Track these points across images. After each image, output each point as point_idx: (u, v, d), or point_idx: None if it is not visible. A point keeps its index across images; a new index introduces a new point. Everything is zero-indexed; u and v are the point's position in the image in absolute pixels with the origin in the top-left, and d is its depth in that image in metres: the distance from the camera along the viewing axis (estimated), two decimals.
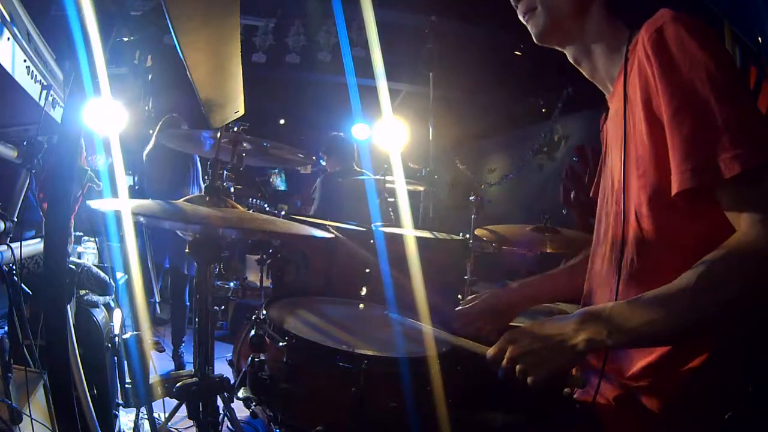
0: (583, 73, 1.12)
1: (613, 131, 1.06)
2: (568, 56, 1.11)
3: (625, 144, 0.96)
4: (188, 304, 3.57)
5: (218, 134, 1.74)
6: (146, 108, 4.63)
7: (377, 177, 2.84)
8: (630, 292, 0.95)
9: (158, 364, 2.83)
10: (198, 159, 3.73)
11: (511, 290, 1.43)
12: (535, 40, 1.08)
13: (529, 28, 1.08)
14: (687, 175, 0.82)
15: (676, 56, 0.85)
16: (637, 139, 0.93)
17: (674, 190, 0.84)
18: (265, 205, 3.27)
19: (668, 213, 0.90)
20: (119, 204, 1.46)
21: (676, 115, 0.84)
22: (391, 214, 2.87)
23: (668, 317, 0.82)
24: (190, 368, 3.13)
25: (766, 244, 0.77)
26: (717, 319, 0.82)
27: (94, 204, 1.25)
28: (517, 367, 0.88)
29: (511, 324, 1.48)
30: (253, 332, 1.48)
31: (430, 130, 3.02)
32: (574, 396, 1.04)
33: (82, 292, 1.93)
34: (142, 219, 1.48)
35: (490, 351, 0.93)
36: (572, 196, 2.18)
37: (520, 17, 1.09)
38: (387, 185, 2.76)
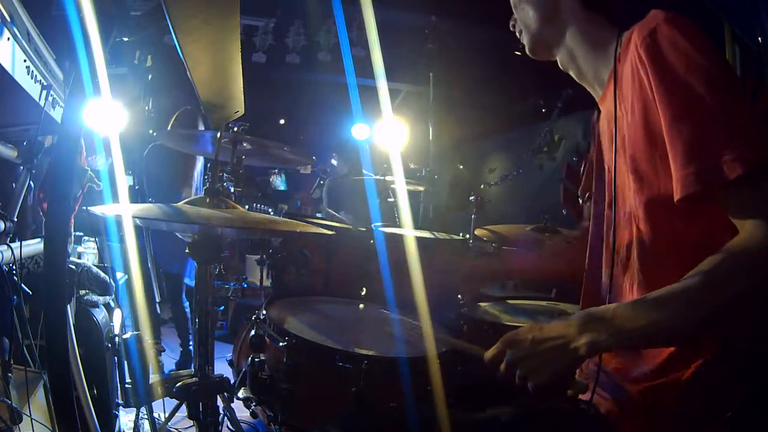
0: (573, 77, 1.13)
1: (607, 133, 1.05)
2: (558, 63, 1.13)
3: (615, 149, 0.96)
4: (186, 304, 3.56)
5: (218, 134, 1.73)
6: (146, 108, 4.62)
7: (377, 177, 2.84)
8: (633, 294, 0.95)
9: None
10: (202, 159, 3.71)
11: None
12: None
13: None
14: (690, 180, 0.81)
15: (671, 59, 0.84)
16: (633, 142, 0.92)
17: (677, 196, 0.83)
18: (270, 210, 3.27)
19: (667, 215, 0.89)
20: (121, 209, 1.46)
21: (676, 119, 0.83)
22: (396, 216, 2.87)
23: (672, 318, 0.81)
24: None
25: None
26: (721, 318, 0.81)
27: (97, 210, 1.25)
28: (517, 371, 0.87)
29: (511, 324, 1.48)
30: (253, 332, 1.48)
31: (430, 130, 3.01)
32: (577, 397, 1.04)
33: (82, 292, 1.92)
34: (139, 221, 1.48)
35: (488, 353, 0.92)
36: (572, 195, 2.18)
37: None
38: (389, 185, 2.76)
